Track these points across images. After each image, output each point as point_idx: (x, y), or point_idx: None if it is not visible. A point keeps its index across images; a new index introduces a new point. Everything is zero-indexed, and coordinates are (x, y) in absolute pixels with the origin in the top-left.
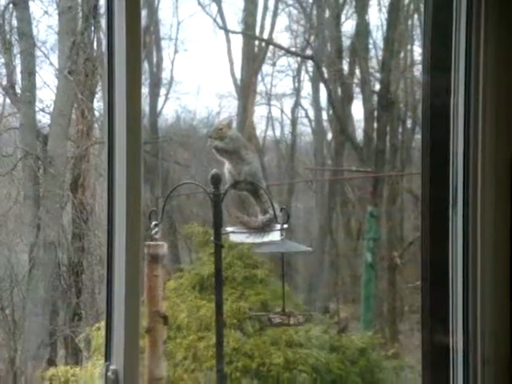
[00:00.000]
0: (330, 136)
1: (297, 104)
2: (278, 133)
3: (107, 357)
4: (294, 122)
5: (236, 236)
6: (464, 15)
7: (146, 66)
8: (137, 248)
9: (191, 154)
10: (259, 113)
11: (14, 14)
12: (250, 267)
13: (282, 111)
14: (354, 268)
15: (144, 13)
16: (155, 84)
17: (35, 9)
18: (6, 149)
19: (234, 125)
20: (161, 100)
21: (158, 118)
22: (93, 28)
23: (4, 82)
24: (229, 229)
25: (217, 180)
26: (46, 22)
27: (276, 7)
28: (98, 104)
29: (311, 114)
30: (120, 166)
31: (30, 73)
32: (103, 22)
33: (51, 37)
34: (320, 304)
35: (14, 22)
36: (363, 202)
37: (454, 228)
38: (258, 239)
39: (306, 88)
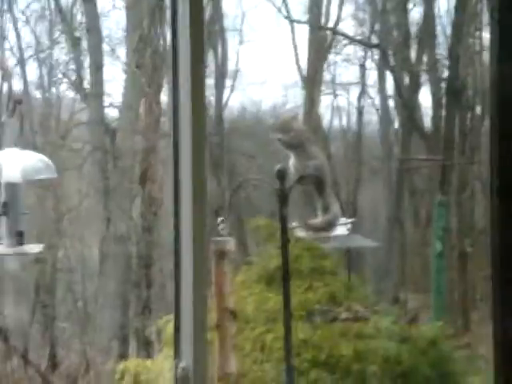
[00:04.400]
0: (397, 124)
1: (363, 92)
2: (344, 122)
3: (176, 354)
4: (360, 110)
5: (302, 231)
6: None
7: (211, 57)
8: (203, 242)
9: (257, 145)
10: (325, 102)
11: (82, 8)
12: (318, 258)
13: (348, 100)
14: (424, 257)
15: (208, 4)
16: (221, 75)
17: (102, 3)
18: (76, 144)
19: (300, 117)
20: (226, 91)
21: (223, 110)
22: (159, 22)
23: (73, 77)
24: (295, 223)
25: (282, 175)
26: (113, 17)
27: None
28: (165, 97)
29: (378, 102)
30: (185, 159)
31: (97, 67)
32: (168, 15)
33: (118, 31)
34: (390, 294)
35: (82, 17)
36: (432, 191)
37: None
38: (323, 235)
39: (373, 76)
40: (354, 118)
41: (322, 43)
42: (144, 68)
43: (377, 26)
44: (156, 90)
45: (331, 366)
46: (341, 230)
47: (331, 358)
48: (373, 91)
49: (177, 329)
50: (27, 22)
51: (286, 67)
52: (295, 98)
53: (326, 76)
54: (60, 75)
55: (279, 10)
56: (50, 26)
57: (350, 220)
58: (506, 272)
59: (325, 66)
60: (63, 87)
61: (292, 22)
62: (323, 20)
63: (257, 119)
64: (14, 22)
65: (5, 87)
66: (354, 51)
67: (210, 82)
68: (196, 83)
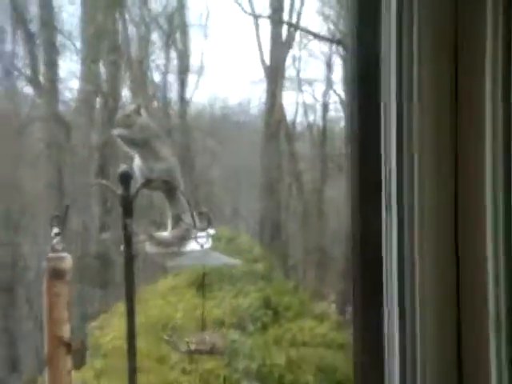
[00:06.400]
0: None
1: (328, 89)
2: (310, 118)
3: None
4: (325, 107)
5: (150, 247)
6: None
7: (173, 52)
8: None
9: (221, 142)
10: (290, 99)
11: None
12: (250, 262)
13: (314, 96)
14: None
15: None
16: (183, 71)
17: None
18: (31, 140)
19: (144, 110)
20: (190, 88)
21: (187, 107)
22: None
23: (28, 72)
24: (142, 237)
25: (126, 179)
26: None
27: None
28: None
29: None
30: None
31: (52, 62)
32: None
33: (73, 25)
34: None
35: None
36: None
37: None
38: (174, 251)
39: (338, 72)
40: (319, 115)
41: (285, 39)
42: (100, 62)
43: (341, 22)
44: (113, 85)
45: (263, 376)
46: (193, 245)
47: (264, 367)
48: (339, 88)
49: None
50: None
51: (250, 63)
52: (260, 93)
53: (291, 72)
54: (16, 70)
55: (241, 5)
56: (4, 19)
57: (205, 232)
58: None
59: (289, 61)
60: (20, 83)
61: (255, 17)
62: (287, 15)
63: (222, 116)
64: None
65: None
66: (320, 47)
67: (172, 77)
68: None
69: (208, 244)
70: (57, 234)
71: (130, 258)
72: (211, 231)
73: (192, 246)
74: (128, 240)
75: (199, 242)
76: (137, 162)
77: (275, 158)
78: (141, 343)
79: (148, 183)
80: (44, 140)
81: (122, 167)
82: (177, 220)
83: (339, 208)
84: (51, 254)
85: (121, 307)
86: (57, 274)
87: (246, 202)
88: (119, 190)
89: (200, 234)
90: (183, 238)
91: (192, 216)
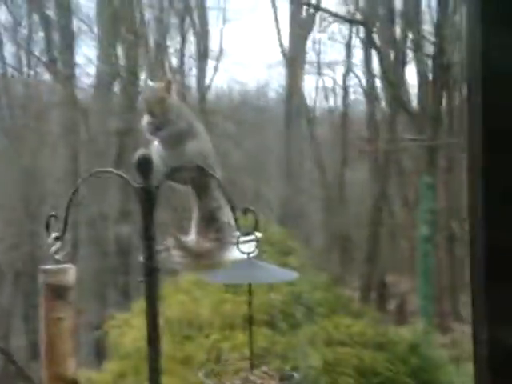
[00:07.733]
0: (384, 103)
1: (348, 71)
2: (330, 102)
3: None
4: (346, 90)
5: (178, 256)
6: None
7: (192, 37)
8: None
9: (240, 126)
10: (310, 82)
11: None
12: (282, 255)
13: (334, 80)
14: (410, 240)
15: None
16: (203, 56)
17: None
18: (48, 125)
19: (174, 87)
20: (209, 72)
21: (206, 91)
22: None
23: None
24: (166, 242)
25: (147, 166)
26: None
27: None
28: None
29: (364, 81)
30: None
31: (68, 47)
32: None
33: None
34: (377, 277)
35: None
36: (419, 172)
37: None
38: (210, 261)
39: (358, 55)
40: (339, 98)
41: (304, 21)
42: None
43: (361, 3)
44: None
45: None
46: (235, 253)
47: (297, 368)
48: (359, 70)
49: None
50: None
51: (269, 46)
52: (278, 77)
53: (310, 55)
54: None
55: None
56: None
57: (251, 236)
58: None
59: (308, 44)
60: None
61: None
62: None
63: (241, 100)
64: None
65: None
66: (339, 29)
67: (191, 62)
68: None
69: (255, 252)
70: (56, 239)
71: (151, 269)
72: (259, 234)
73: (234, 254)
74: (149, 246)
75: (243, 250)
76: (157, 145)
77: (296, 142)
78: (163, 343)
79: (175, 172)
80: (62, 126)
81: (141, 151)
82: (210, 220)
83: (361, 192)
84: (48, 267)
85: (141, 305)
86: (57, 292)
87: (267, 187)
88: (137, 182)
89: (244, 238)
90: (222, 245)
91: (234, 215)
